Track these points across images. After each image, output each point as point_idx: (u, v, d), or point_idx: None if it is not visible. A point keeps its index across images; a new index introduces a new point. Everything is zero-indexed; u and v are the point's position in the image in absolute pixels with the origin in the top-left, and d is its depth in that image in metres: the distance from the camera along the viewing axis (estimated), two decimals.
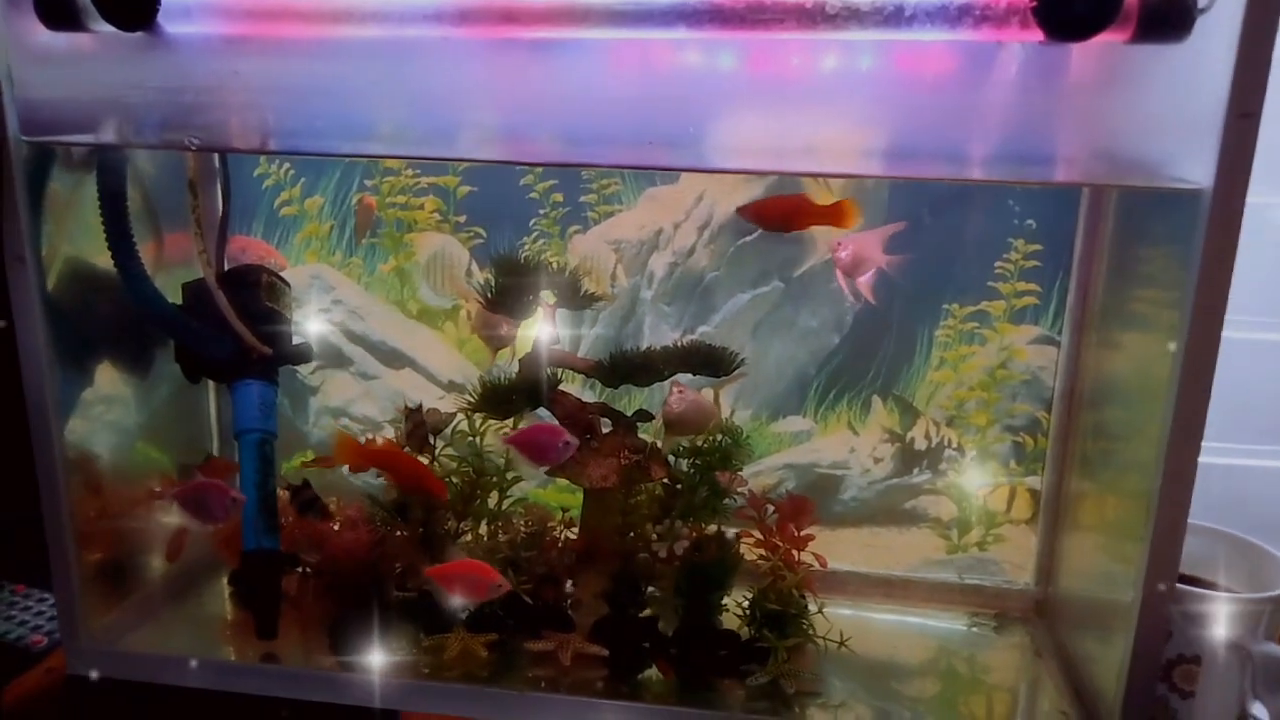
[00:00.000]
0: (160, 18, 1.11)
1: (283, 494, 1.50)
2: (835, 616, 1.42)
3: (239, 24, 1.13)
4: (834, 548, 1.55)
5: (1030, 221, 1.47)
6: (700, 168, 1.41)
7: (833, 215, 1.30)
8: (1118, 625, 1.17)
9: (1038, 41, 1.01)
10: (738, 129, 1.11)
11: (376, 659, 1.35)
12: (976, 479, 1.57)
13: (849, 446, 1.60)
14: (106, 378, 1.41)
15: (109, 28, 1.11)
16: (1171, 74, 1.01)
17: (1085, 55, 1.03)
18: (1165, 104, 1.03)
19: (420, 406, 1.48)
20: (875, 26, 1.02)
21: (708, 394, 1.47)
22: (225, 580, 1.59)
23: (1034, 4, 0.97)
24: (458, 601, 1.33)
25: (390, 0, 1.09)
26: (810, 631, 1.37)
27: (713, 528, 1.42)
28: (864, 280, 1.40)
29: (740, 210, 1.34)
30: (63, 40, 1.15)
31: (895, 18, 1.01)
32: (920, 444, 1.57)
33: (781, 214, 1.33)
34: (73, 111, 1.17)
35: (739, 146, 1.12)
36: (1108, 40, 1.00)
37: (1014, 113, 1.06)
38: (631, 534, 1.43)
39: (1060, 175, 1.12)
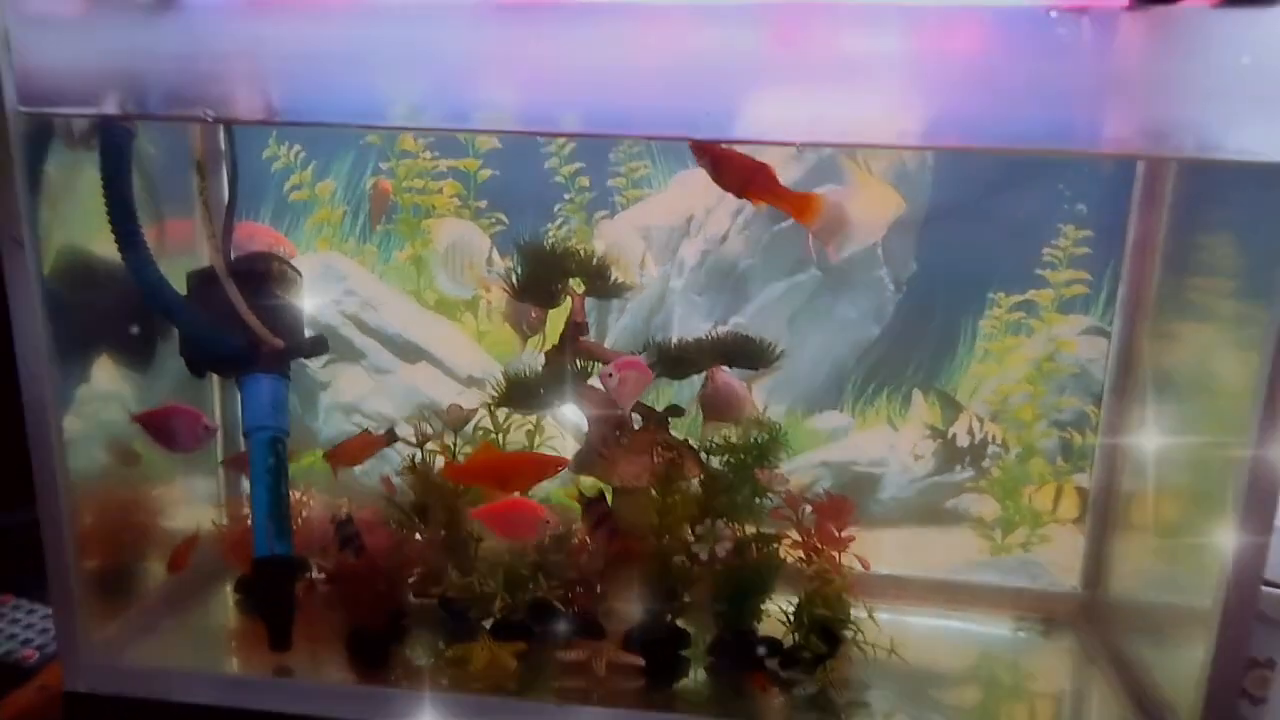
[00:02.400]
0: None
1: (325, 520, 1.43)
2: (865, 620, 1.35)
3: None
4: (871, 549, 1.48)
5: (1080, 206, 1.42)
6: (730, 139, 1.30)
7: (794, 203, 1.20)
8: (1190, 632, 1.12)
9: (1123, 7, 0.95)
10: (774, 100, 1.04)
11: (397, 671, 1.28)
12: (1021, 477, 1.51)
13: (888, 443, 1.54)
14: (104, 373, 1.33)
15: None
16: (1254, 41, 0.95)
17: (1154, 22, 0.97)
18: (1250, 72, 0.97)
19: (350, 518, 1.38)
20: None
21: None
22: (231, 588, 1.51)
23: None
24: (505, 544, 1.28)
25: None
26: (859, 638, 1.31)
27: (752, 529, 1.35)
28: (833, 246, 1.33)
29: (695, 147, 1.17)
30: (67, 2, 1.07)
31: None
32: (963, 440, 1.51)
33: (740, 175, 1.18)
34: (77, 80, 1.09)
35: (777, 118, 1.05)
36: (1196, 4, 0.94)
37: (1077, 83, 1.00)
38: (667, 536, 1.36)
39: (1131, 148, 1.07)
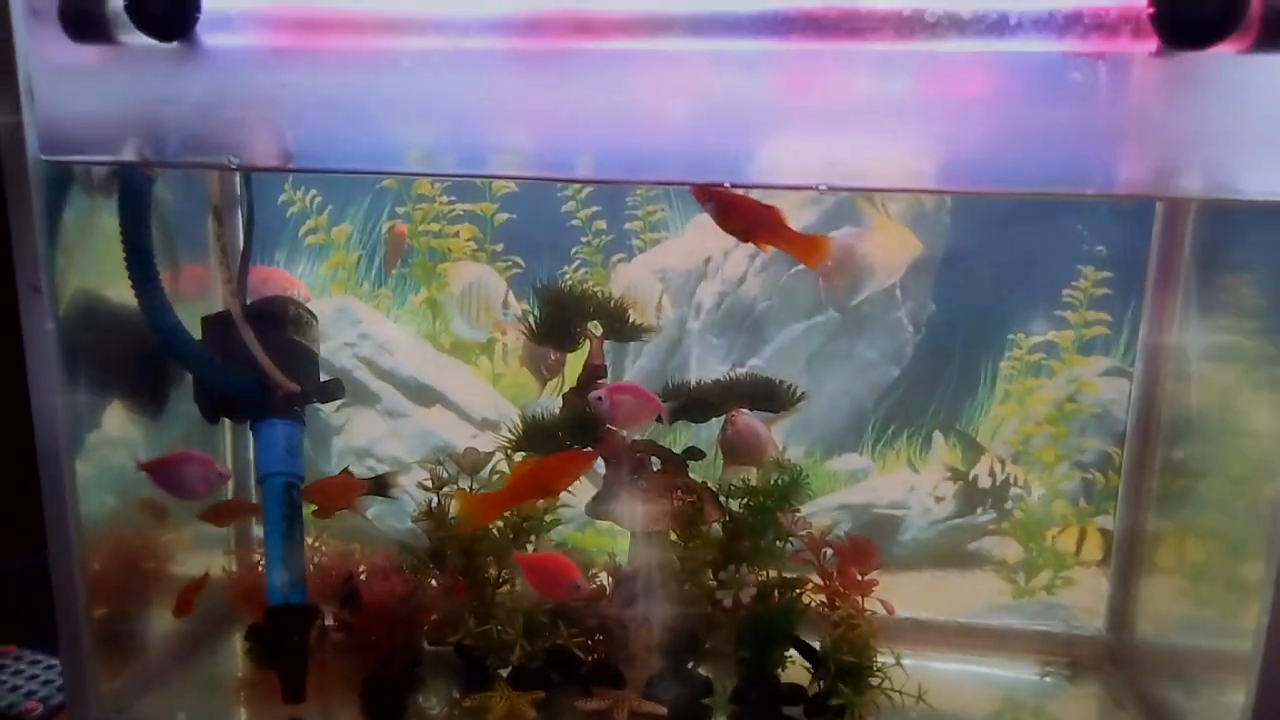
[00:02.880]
0: (198, 28, 1.03)
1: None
2: (890, 666, 1.32)
3: (284, 35, 1.05)
4: (892, 592, 1.45)
5: (1100, 247, 1.42)
6: (752, 183, 1.30)
7: (802, 247, 1.18)
8: (1227, 678, 1.09)
9: (1149, 52, 0.95)
10: (790, 144, 1.04)
11: None
12: (1044, 519, 1.49)
13: (908, 485, 1.53)
14: (114, 419, 1.31)
15: (139, 39, 1.03)
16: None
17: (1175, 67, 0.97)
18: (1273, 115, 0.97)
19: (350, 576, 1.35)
20: (977, 36, 0.96)
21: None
22: (241, 636, 1.48)
23: (1153, 10, 0.91)
24: (535, 597, 1.26)
25: (447, 12, 1.02)
26: (886, 685, 1.28)
27: (774, 574, 1.33)
28: (842, 287, 1.32)
29: (700, 192, 1.13)
30: (89, 53, 1.06)
31: (999, 27, 0.95)
32: (984, 482, 1.50)
33: (746, 219, 1.15)
34: (98, 129, 1.09)
35: (793, 163, 1.05)
36: (1222, 50, 0.94)
37: (1100, 126, 1.00)
38: (689, 582, 1.34)
39: (1153, 189, 1.07)
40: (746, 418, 1.30)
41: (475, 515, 1.30)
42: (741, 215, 1.13)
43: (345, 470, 1.37)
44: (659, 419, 1.29)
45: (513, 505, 1.31)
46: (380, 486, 1.35)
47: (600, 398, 1.22)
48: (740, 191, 1.13)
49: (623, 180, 1.37)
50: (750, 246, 1.46)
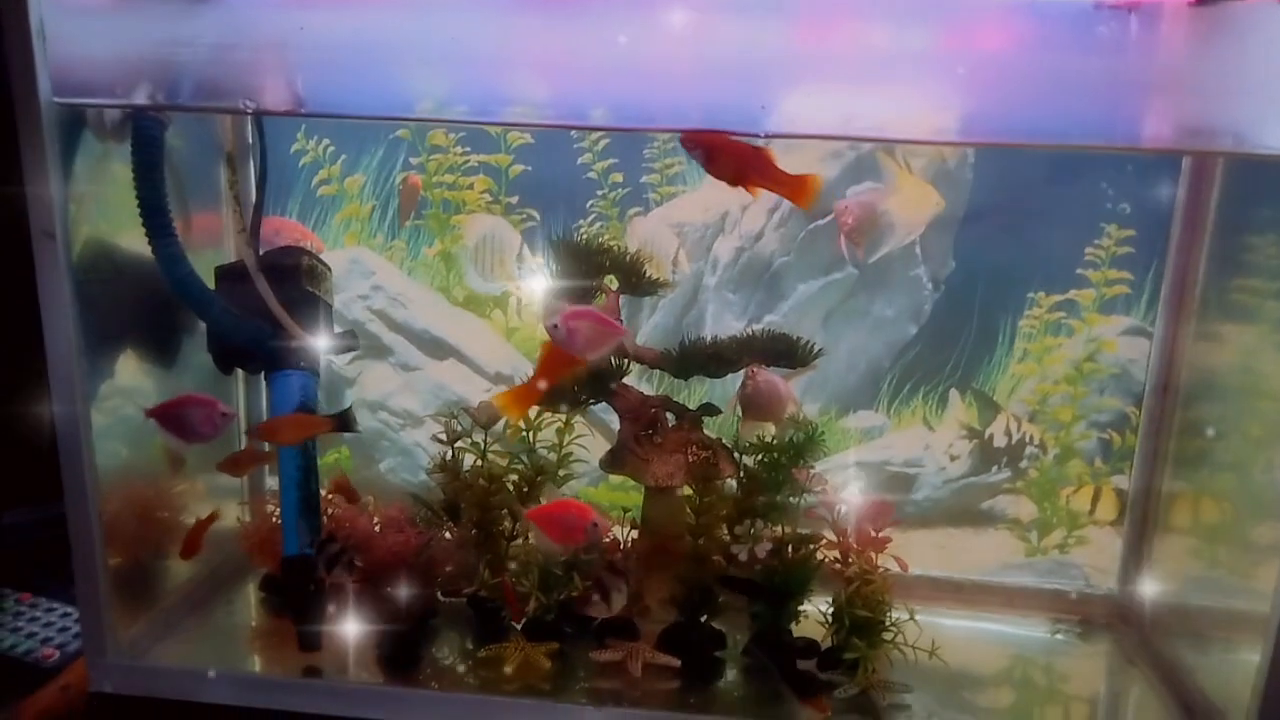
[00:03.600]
0: None
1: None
2: (904, 621, 1.32)
3: None
4: (905, 550, 1.46)
5: (1124, 205, 1.39)
6: (774, 133, 1.27)
7: (792, 187, 1.14)
8: (1242, 637, 1.10)
9: (1186, 1, 0.93)
10: (809, 95, 1.03)
11: (428, 672, 1.26)
12: (1059, 478, 1.49)
13: (924, 443, 1.52)
14: (127, 369, 1.30)
15: None
16: None
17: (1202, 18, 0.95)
18: None
19: (331, 537, 1.28)
20: None
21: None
22: (256, 586, 1.49)
23: None
24: (556, 548, 1.24)
25: None
26: (899, 639, 1.28)
27: (788, 529, 1.33)
28: (863, 243, 1.30)
29: (686, 138, 1.10)
30: None
31: None
32: (1000, 441, 1.49)
33: (736, 162, 1.12)
34: (112, 71, 1.07)
35: (812, 113, 1.04)
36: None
37: (1129, 78, 0.98)
38: (703, 537, 1.33)
39: (1179, 144, 1.05)
40: (766, 374, 1.29)
41: (514, 408, 1.27)
42: (730, 159, 1.11)
43: (303, 404, 1.33)
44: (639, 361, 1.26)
45: (550, 381, 1.25)
46: (343, 423, 1.29)
47: (555, 325, 1.16)
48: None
49: (639, 128, 1.35)
50: (768, 200, 1.45)
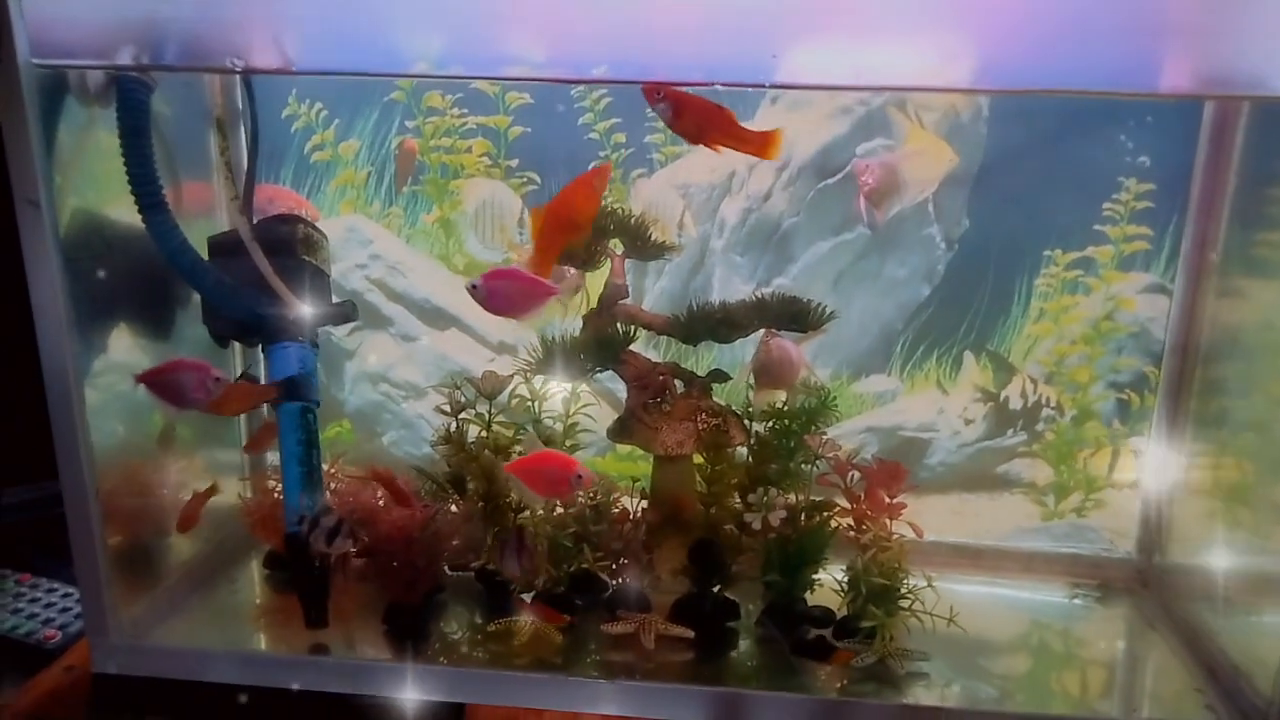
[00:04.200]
0: None
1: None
2: (921, 588, 1.30)
3: None
4: (919, 516, 1.43)
5: (1143, 158, 1.36)
6: (775, 84, 1.23)
7: (756, 143, 1.13)
8: (1267, 600, 1.07)
9: None
10: (814, 44, 0.99)
11: (437, 646, 1.25)
12: (1076, 440, 1.47)
13: (938, 407, 1.50)
14: (120, 344, 1.27)
15: None
16: None
17: None
18: None
19: (326, 509, 1.23)
20: None
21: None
22: (260, 563, 1.47)
23: None
24: (538, 500, 1.22)
25: None
26: (917, 607, 1.26)
27: (802, 497, 1.31)
28: (883, 207, 1.27)
29: (650, 89, 1.09)
30: None
31: None
32: (1015, 403, 1.47)
33: (697, 118, 1.11)
34: (93, 31, 1.02)
35: (818, 63, 0.99)
36: None
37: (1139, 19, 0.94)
38: (715, 505, 1.31)
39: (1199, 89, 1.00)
40: (780, 340, 1.26)
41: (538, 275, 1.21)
42: (694, 115, 1.09)
43: (245, 373, 1.31)
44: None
45: (553, 254, 1.23)
46: (289, 391, 1.26)
47: (475, 285, 1.13)
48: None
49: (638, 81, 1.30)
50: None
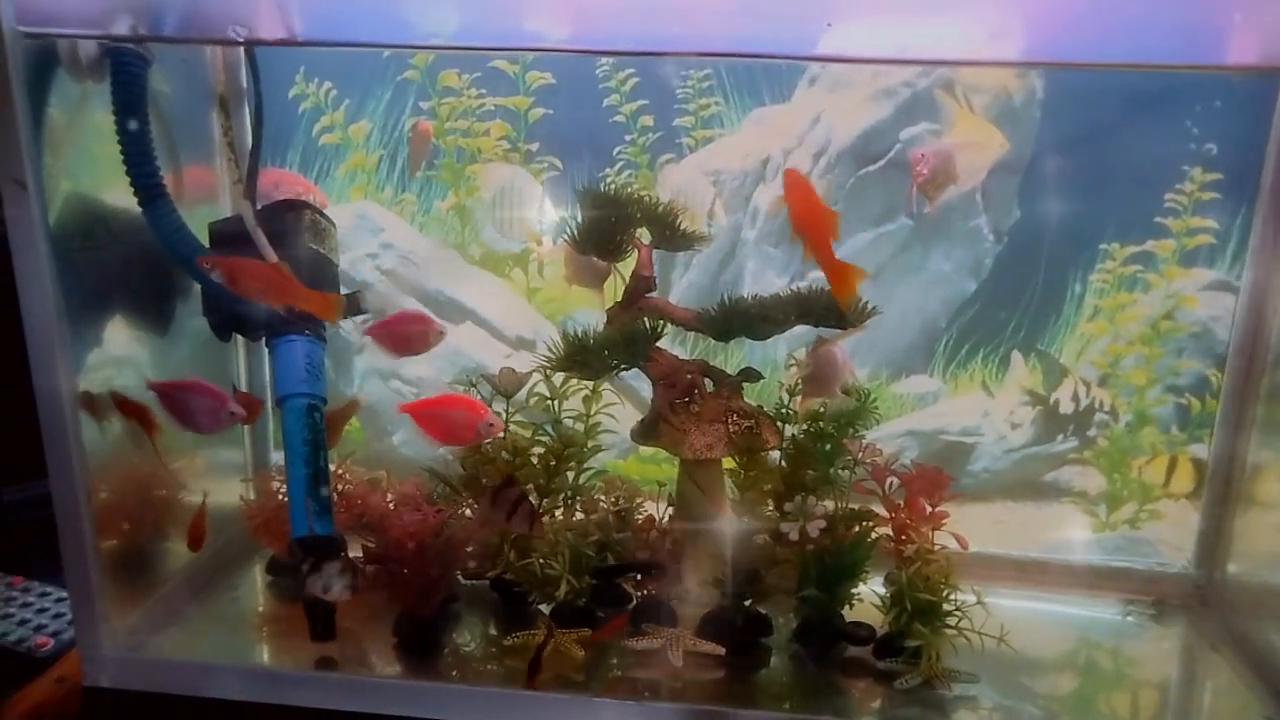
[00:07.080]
0: None
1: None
2: (971, 605, 1.24)
3: None
4: (961, 525, 1.37)
5: (1210, 146, 1.29)
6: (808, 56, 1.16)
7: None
8: None
9: None
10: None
11: (451, 661, 1.19)
12: (1131, 447, 1.41)
13: (982, 410, 1.46)
14: (117, 337, 1.22)
15: None
16: None
17: None
18: None
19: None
20: None
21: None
22: (263, 569, 1.42)
23: None
24: (444, 449, 1.15)
25: None
26: (965, 625, 1.18)
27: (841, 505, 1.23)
28: (935, 196, 1.21)
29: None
30: None
31: None
32: (1066, 406, 1.43)
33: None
34: None
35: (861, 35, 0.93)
36: None
37: None
38: (747, 514, 1.24)
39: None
40: (829, 348, 1.19)
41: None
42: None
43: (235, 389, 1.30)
44: None
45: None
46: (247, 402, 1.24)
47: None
48: None
49: (666, 52, 1.25)
50: (815, 143, 1.34)
